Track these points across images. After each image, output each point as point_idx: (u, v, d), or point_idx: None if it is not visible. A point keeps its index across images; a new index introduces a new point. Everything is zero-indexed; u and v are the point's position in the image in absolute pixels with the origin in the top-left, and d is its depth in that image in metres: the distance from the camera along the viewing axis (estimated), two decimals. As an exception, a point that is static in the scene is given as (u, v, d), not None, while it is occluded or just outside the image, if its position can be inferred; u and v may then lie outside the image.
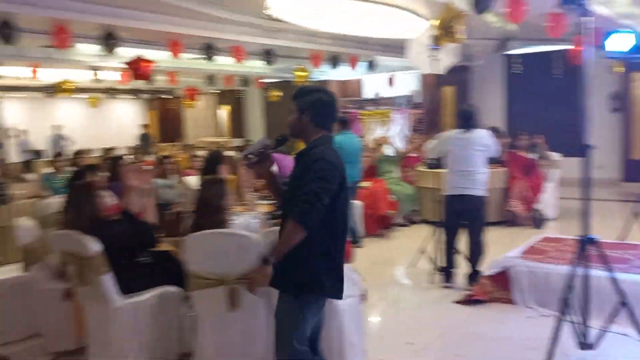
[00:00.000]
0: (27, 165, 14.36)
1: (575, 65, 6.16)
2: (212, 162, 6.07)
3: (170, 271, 3.56)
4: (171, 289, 3.45)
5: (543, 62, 10.79)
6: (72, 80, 9.67)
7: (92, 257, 3.07)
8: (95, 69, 9.66)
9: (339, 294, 2.53)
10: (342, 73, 13.71)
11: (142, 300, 3.28)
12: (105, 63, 9.60)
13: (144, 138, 16.43)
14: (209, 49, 6.97)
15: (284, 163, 5.85)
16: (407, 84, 13.23)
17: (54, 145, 15.09)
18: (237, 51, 7.36)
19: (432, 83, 12.61)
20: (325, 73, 13.68)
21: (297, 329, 2.46)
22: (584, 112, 3.19)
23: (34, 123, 15.81)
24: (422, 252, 5.45)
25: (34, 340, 3.99)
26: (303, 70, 8.46)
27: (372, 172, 7.59)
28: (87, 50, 9.04)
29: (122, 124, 18.54)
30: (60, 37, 5.59)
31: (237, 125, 16.87)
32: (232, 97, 16.31)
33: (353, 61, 9.27)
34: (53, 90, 12.58)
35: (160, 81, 10.93)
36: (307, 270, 2.43)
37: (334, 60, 8.90)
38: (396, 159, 8.12)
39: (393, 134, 13.03)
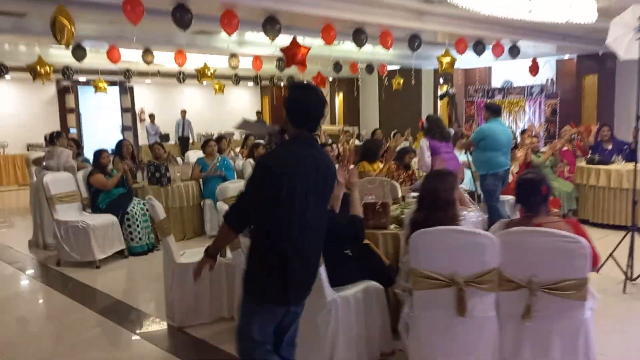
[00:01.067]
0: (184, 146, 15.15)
1: None
2: (372, 151, 5.90)
3: (370, 265, 3.40)
4: (374, 284, 3.28)
5: None
6: (209, 66, 9.91)
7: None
8: (233, 55, 9.84)
9: (284, 302, 2.41)
10: (468, 60, 13.14)
11: (351, 294, 3.13)
12: (243, 50, 9.79)
13: (259, 124, 16.77)
14: (358, 34, 6.76)
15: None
16: (541, 72, 12.34)
17: (178, 129, 15.80)
18: (384, 36, 7.10)
19: (571, 71, 11.68)
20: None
21: (247, 332, 2.43)
22: None
23: (161, 108, 16.61)
24: (610, 257, 4.92)
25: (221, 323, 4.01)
26: (447, 54, 8.03)
27: (527, 167, 7.07)
28: (227, 37, 9.26)
29: (235, 109, 19.06)
30: (229, 22, 5.60)
31: (351, 113, 16.73)
32: (347, 84, 16.14)
33: (497, 47, 8.69)
34: (183, 76, 13.07)
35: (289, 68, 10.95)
36: (249, 274, 2.43)
37: (478, 46, 8.37)
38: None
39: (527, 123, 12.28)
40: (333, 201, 3.35)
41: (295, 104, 2.43)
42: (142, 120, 16.50)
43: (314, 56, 10.70)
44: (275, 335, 2.51)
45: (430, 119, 6.21)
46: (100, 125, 16.25)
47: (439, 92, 6.47)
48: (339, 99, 16.98)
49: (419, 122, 13.06)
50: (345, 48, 10.77)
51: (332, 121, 17.15)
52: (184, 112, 15.85)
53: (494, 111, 6.15)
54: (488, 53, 12.28)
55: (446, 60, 8.06)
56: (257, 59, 10.18)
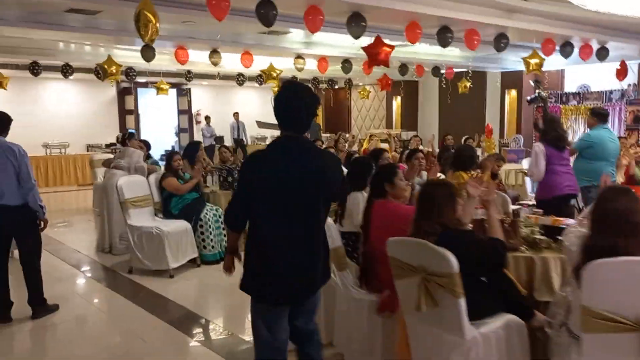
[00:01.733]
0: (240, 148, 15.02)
1: None
2: (467, 158, 5.39)
3: (506, 295, 2.92)
4: (514, 318, 2.80)
5: None
6: (276, 67, 9.60)
7: (448, 274, 2.50)
8: (300, 57, 9.51)
9: (274, 303, 2.50)
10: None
11: (492, 330, 2.66)
12: (310, 50, 9.43)
13: (313, 127, 16.43)
14: (443, 33, 6.28)
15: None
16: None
17: (233, 131, 15.64)
18: (470, 35, 6.59)
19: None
20: (519, 63, 12.51)
21: (255, 330, 2.58)
22: None
23: (216, 110, 16.50)
24: None
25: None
26: (535, 55, 7.42)
27: (631, 180, 6.40)
28: (295, 37, 8.95)
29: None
30: (314, 19, 5.23)
31: (409, 117, 16.18)
32: (404, 87, 15.59)
33: (586, 49, 8.01)
34: (242, 78, 12.85)
35: (356, 70, 10.55)
36: (244, 273, 2.54)
37: (567, 47, 7.72)
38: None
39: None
40: (465, 218, 2.91)
41: (277, 105, 2.42)
42: (197, 122, 16.43)
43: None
44: (296, 334, 2.63)
45: (547, 119, 5.66)
46: (156, 126, 16.26)
47: (528, 97, 5.94)
48: (396, 102, 16.46)
49: (485, 127, 12.50)
50: (411, 49, 10.32)
51: (389, 125, 16.63)
52: (236, 115, 15.70)
53: (601, 117, 5.55)
54: (558, 57, 11.62)
55: (534, 61, 7.46)
56: (323, 60, 9.80)
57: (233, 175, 6.39)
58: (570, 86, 12.50)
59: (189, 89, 15.87)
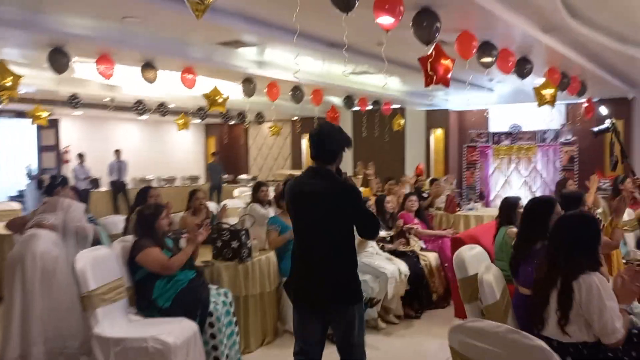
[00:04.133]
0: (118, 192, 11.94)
1: None
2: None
3: None
4: None
5: None
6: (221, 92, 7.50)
7: None
8: (247, 79, 7.61)
9: (296, 299, 2.95)
10: (461, 102, 12.04)
11: None
12: (262, 71, 7.58)
13: (214, 169, 14.21)
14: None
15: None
16: (552, 117, 11.51)
17: (112, 172, 12.75)
18: (505, 57, 5.45)
19: (585, 115, 10.95)
20: (445, 101, 12.00)
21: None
22: None
23: (91, 146, 13.42)
24: None
25: None
26: (549, 85, 6.53)
27: None
28: (247, 54, 7.07)
29: (177, 150, 16.30)
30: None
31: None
32: (312, 124, 14.26)
33: (574, 84, 7.42)
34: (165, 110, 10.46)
35: (306, 101, 8.92)
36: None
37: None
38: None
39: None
40: None
41: (313, 140, 2.87)
42: (66, 162, 13.15)
43: (330, 87, 8.89)
44: (338, 347, 2.92)
45: None
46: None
47: (595, 128, 5.06)
48: (306, 141, 15.00)
49: (416, 169, 11.64)
50: (359, 79, 9.07)
51: (296, 165, 15.09)
52: (118, 152, 12.87)
53: None
54: (485, 95, 11.32)
55: (547, 92, 6.58)
56: (274, 86, 8.01)
57: (240, 238, 4.27)
58: (493, 126, 12.24)
59: (56, 119, 12.68)
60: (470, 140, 12.08)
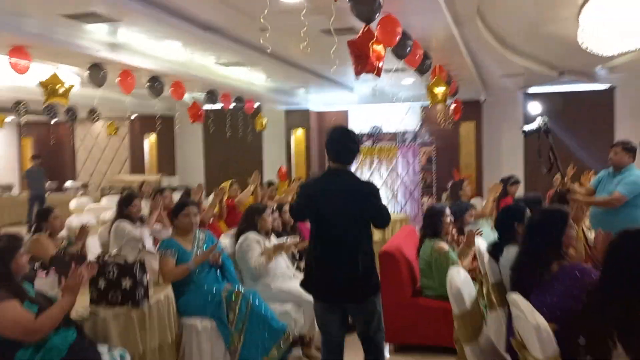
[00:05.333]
0: None
1: None
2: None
3: None
4: None
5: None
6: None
7: None
8: (95, 65, 6.12)
9: (315, 295, 3.12)
10: (321, 103, 11.71)
11: None
12: (115, 55, 6.14)
13: (34, 175, 11.80)
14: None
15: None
16: (410, 118, 11.70)
17: None
18: (414, 49, 4.97)
19: (443, 118, 11.33)
20: (306, 101, 11.52)
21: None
22: None
23: None
24: None
25: None
26: (440, 82, 6.19)
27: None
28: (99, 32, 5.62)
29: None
30: None
31: (166, 160, 13.31)
32: (162, 123, 12.70)
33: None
34: None
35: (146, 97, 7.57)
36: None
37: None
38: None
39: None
40: None
41: (330, 142, 3.06)
42: None
43: (194, 79, 7.72)
44: (360, 339, 3.15)
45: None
46: None
47: (526, 127, 4.79)
48: (149, 142, 13.34)
49: (278, 172, 10.94)
50: (224, 72, 8.07)
51: (137, 169, 13.34)
52: None
53: (635, 153, 4.60)
54: (345, 95, 11.14)
55: (440, 90, 6.30)
56: (128, 75, 6.61)
57: (135, 275, 3.06)
58: (354, 127, 12.07)
59: None
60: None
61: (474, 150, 10.88)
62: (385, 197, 11.61)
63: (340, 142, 3.01)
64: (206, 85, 8.40)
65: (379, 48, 3.84)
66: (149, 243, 4.62)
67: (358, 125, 11.91)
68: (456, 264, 4.12)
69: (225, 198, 6.15)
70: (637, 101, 10.08)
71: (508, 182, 6.41)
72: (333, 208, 2.95)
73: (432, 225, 4.31)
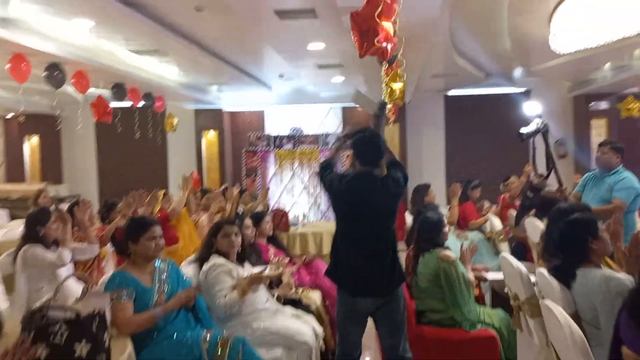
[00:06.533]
0: None
1: None
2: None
3: None
4: None
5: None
6: None
7: None
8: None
9: (350, 291, 3.01)
10: (235, 102, 10.79)
11: None
12: (7, 32, 4.78)
13: None
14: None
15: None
16: (330, 120, 11.13)
17: None
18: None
19: (363, 119, 10.89)
20: (218, 99, 10.50)
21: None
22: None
23: None
24: None
25: None
26: (397, 78, 5.60)
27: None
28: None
29: None
30: None
31: (51, 166, 11.49)
32: (45, 123, 10.94)
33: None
34: None
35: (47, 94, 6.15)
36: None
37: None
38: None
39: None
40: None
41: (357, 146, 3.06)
42: None
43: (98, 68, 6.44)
44: (384, 351, 3.12)
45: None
46: None
47: (524, 130, 4.29)
48: (30, 145, 11.42)
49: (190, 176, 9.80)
50: (131, 60, 6.90)
51: (17, 178, 11.37)
52: None
53: (623, 152, 4.31)
54: (262, 94, 10.35)
55: (397, 86, 5.71)
56: (22, 61, 5.25)
57: (91, 329, 2.04)
58: (273, 129, 11.26)
59: None
60: (249, 144, 10.79)
61: (399, 153, 10.55)
62: (307, 204, 10.94)
63: (375, 143, 3.02)
64: (113, 78, 7.13)
65: (387, 25, 3.11)
66: (69, 269, 3.53)
67: (276, 127, 11.14)
68: (467, 277, 3.55)
69: (157, 210, 5.07)
70: (550, 104, 10.35)
71: (469, 186, 6.03)
72: (365, 210, 2.97)
73: (430, 238, 3.72)
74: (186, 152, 11.04)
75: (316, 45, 6.23)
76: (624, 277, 2.36)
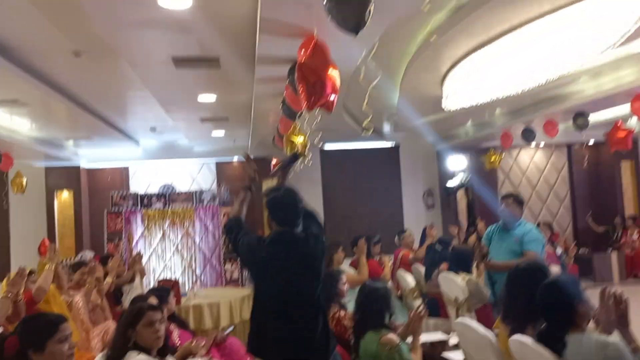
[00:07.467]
0: None
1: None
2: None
3: None
4: None
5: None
6: None
7: None
8: None
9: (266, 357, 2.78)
10: (96, 157, 9.76)
11: None
12: None
13: None
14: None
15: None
16: (203, 176, 10.49)
17: None
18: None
19: (233, 176, 10.48)
20: (75, 156, 9.37)
21: None
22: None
23: None
24: None
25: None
26: (298, 132, 5.31)
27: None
28: None
29: None
30: None
31: None
32: None
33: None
34: None
35: None
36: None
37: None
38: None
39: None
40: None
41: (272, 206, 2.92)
42: None
43: None
44: None
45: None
46: None
47: (449, 183, 4.12)
48: None
49: (40, 247, 8.43)
50: None
51: None
52: None
53: (523, 205, 4.45)
54: (127, 149, 9.52)
55: (299, 140, 5.41)
56: None
57: None
58: (139, 187, 10.29)
59: None
60: (112, 205, 9.67)
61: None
62: (179, 267, 10.01)
63: (294, 204, 2.87)
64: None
65: (334, 74, 2.83)
66: None
67: (143, 184, 10.19)
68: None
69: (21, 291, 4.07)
70: (415, 157, 10.86)
71: (371, 242, 5.89)
72: (289, 274, 2.78)
73: (375, 313, 3.32)
74: (33, 216, 9.53)
75: (207, 97, 5.77)
76: (617, 341, 2.26)
